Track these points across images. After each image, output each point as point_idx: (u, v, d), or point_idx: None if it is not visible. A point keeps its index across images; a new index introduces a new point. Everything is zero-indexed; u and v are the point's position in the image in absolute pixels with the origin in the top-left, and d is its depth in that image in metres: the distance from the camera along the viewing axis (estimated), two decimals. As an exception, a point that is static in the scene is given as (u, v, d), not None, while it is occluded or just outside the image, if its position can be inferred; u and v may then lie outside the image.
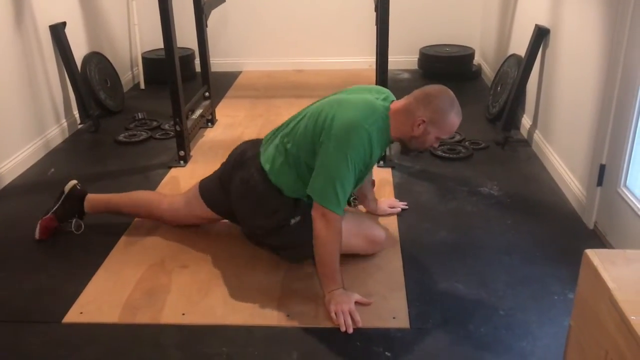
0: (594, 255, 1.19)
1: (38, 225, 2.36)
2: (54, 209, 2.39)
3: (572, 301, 1.92)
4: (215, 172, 2.33)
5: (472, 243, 2.32)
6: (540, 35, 3.09)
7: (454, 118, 1.97)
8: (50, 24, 3.35)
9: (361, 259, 2.18)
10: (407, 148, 2.09)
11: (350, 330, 1.84)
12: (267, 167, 2.07)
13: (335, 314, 1.88)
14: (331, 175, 1.88)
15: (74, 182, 2.46)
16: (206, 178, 2.34)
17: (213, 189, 2.27)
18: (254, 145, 2.21)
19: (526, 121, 3.38)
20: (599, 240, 2.32)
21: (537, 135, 3.16)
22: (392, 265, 2.17)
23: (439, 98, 1.96)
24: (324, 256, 1.93)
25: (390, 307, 1.94)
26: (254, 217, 2.11)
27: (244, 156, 2.17)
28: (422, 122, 1.95)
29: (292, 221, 2.05)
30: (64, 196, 2.42)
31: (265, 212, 2.07)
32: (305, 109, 2.11)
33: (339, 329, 1.84)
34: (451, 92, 1.99)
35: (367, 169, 2.02)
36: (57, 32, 3.37)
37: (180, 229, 2.42)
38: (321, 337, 1.83)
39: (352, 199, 2.48)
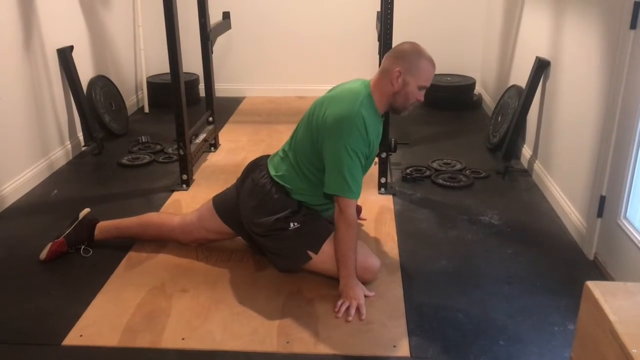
0: (595, 287, 1.20)
1: (48, 247, 2.37)
2: (66, 233, 2.41)
3: (572, 332, 1.93)
4: (229, 187, 2.43)
5: (472, 272, 2.33)
6: (541, 67, 3.13)
7: (427, 63, 2.11)
8: (58, 47, 3.39)
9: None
10: (395, 109, 2.19)
11: (350, 319, 2.00)
12: (272, 172, 2.23)
13: (343, 303, 2.04)
14: (337, 167, 2.04)
15: (87, 210, 2.51)
16: (221, 192, 2.44)
17: (226, 200, 2.36)
18: (267, 156, 2.38)
19: (526, 151, 3.41)
20: (599, 272, 2.32)
21: (538, 166, 3.19)
22: (392, 293, 2.17)
23: (408, 49, 2.12)
24: (338, 242, 2.09)
25: (391, 336, 1.94)
26: (257, 214, 2.19)
27: (258, 162, 2.34)
28: (398, 73, 2.08)
29: (291, 225, 2.15)
30: (77, 222, 2.44)
31: (268, 210, 2.17)
32: (299, 121, 2.28)
33: (340, 355, 1.84)
34: (418, 44, 2.15)
35: (371, 150, 2.14)
36: (65, 55, 3.42)
37: (181, 252, 2.43)
38: (321, 364, 1.82)
39: None
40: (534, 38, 3.39)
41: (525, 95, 3.27)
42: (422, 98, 2.16)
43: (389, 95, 2.13)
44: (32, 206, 2.93)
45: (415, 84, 2.10)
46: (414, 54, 2.10)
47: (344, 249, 2.08)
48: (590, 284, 1.22)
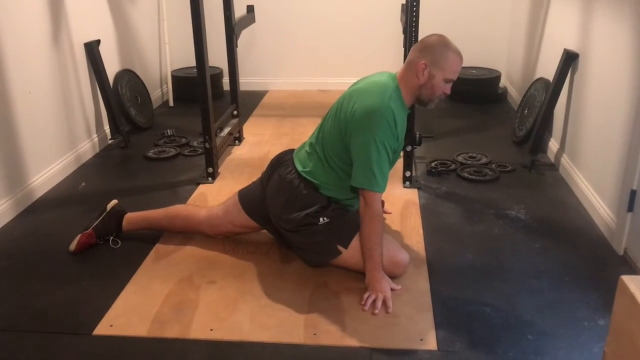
0: (630, 281, 1.18)
1: (77, 239, 2.41)
2: (94, 225, 2.45)
3: (602, 328, 1.91)
4: (254, 182, 2.43)
5: (499, 266, 2.31)
6: (569, 60, 3.09)
7: (453, 56, 2.08)
8: (85, 41, 3.44)
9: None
10: (421, 101, 2.18)
11: (376, 312, 2.00)
12: (300, 167, 2.21)
13: (369, 296, 2.04)
14: (365, 160, 2.03)
15: (115, 201, 2.54)
16: (245, 187, 2.45)
17: (252, 195, 2.37)
18: (291, 151, 2.36)
19: (553, 145, 3.37)
20: (629, 267, 2.29)
21: (565, 159, 3.15)
22: (419, 287, 2.17)
23: (435, 42, 2.10)
24: (364, 236, 2.09)
25: (418, 329, 1.94)
26: (286, 209, 2.19)
27: (283, 157, 2.33)
28: (424, 66, 2.06)
29: (321, 220, 2.14)
30: (105, 213, 2.47)
31: (297, 206, 2.16)
32: (326, 114, 2.26)
33: (367, 348, 1.85)
34: (446, 37, 2.12)
35: (398, 144, 2.13)
36: (92, 49, 3.46)
37: (208, 244, 2.45)
38: (347, 356, 1.83)
39: None
40: (562, 30, 3.34)
41: (552, 88, 3.23)
42: (448, 91, 2.14)
43: (414, 88, 2.11)
44: (60, 198, 2.98)
45: (442, 77, 2.08)
46: (440, 46, 2.08)
47: (370, 242, 2.07)
48: (626, 278, 1.20)
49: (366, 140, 2.02)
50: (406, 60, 2.15)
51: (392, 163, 2.16)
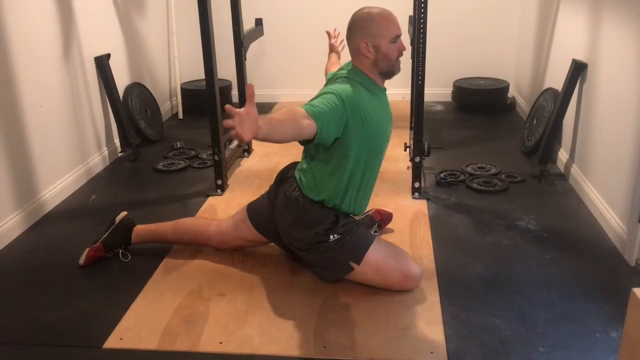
0: (642, 294, 1.17)
1: (85, 253, 2.42)
2: (103, 238, 2.45)
3: (614, 340, 1.89)
4: (262, 195, 2.42)
5: (510, 278, 2.30)
6: (578, 70, 3.08)
7: (381, 19, 2.08)
8: (96, 55, 3.47)
9: (398, 292, 2.17)
10: (386, 73, 2.16)
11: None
12: (301, 185, 2.19)
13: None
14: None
15: (124, 213, 2.53)
16: (253, 201, 2.43)
17: (260, 211, 2.36)
18: (295, 165, 2.35)
19: (563, 155, 3.36)
20: (642, 278, 2.27)
21: (575, 170, 3.13)
22: (429, 299, 2.16)
23: (358, 18, 2.11)
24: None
25: (428, 342, 1.92)
26: (295, 228, 2.18)
27: (287, 174, 2.31)
28: (364, 44, 2.07)
29: (331, 237, 2.12)
30: (113, 226, 2.48)
31: (306, 224, 2.15)
32: None
33: (376, 362, 1.84)
34: (363, 7, 2.13)
35: (365, 119, 2.03)
36: (102, 63, 3.49)
37: (217, 256, 2.46)
38: (358, 369, 1.82)
39: (376, 226, 2.58)
40: (570, 40, 3.34)
41: (561, 98, 3.22)
42: (403, 47, 2.14)
43: (372, 66, 2.12)
44: (71, 211, 2.99)
45: (386, 42, 2.08)
46: (364, 18, 2.09)
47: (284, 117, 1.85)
48: (638, 290, 1.19)
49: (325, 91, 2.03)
50: (350, 51, 2.17)
51: (375, 139, 2.11)
